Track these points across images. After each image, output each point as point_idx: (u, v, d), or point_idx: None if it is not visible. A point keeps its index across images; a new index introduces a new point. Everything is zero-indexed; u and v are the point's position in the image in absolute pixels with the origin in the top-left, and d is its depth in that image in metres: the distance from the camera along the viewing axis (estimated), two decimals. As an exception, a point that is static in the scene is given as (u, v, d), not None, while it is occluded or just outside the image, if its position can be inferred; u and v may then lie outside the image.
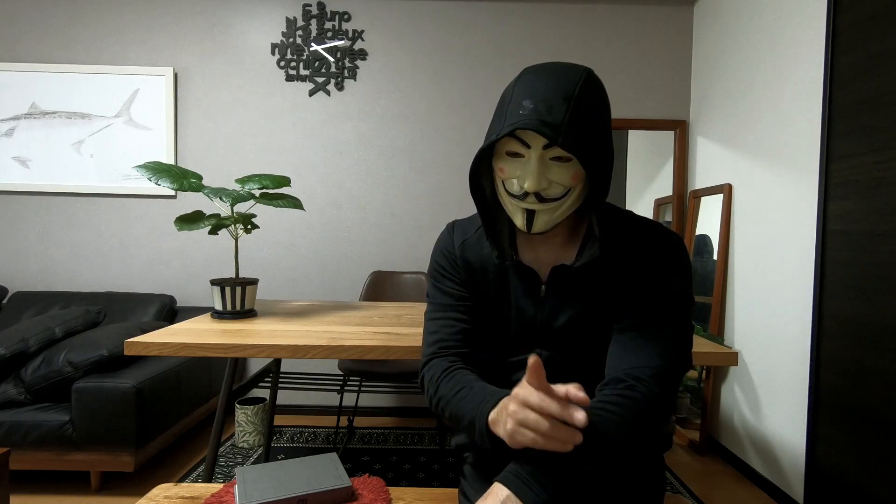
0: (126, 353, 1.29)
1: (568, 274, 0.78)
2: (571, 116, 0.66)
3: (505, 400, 0.65)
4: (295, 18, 2.77)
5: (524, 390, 0.60)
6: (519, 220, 0.72)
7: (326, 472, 0.89)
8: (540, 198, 0.70)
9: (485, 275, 0.84)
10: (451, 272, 0.87)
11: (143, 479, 2.06)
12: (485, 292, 0.84)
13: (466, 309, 0.85)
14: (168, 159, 2.76)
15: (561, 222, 0.77)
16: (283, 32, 2.77)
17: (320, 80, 2.78)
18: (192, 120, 2.78)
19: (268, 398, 2.45)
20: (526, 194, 0.70)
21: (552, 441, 0.58)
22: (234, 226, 1.69)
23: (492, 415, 0.68)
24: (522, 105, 0.67)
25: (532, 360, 0.58)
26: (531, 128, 0.64)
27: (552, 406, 0.57)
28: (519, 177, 0.70)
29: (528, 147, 0.69)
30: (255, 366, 2.91)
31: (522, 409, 0.59)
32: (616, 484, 0.76)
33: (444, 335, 0.84)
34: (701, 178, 2.69)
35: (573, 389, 0.58)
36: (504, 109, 0.70)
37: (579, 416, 0.57)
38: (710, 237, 2.54)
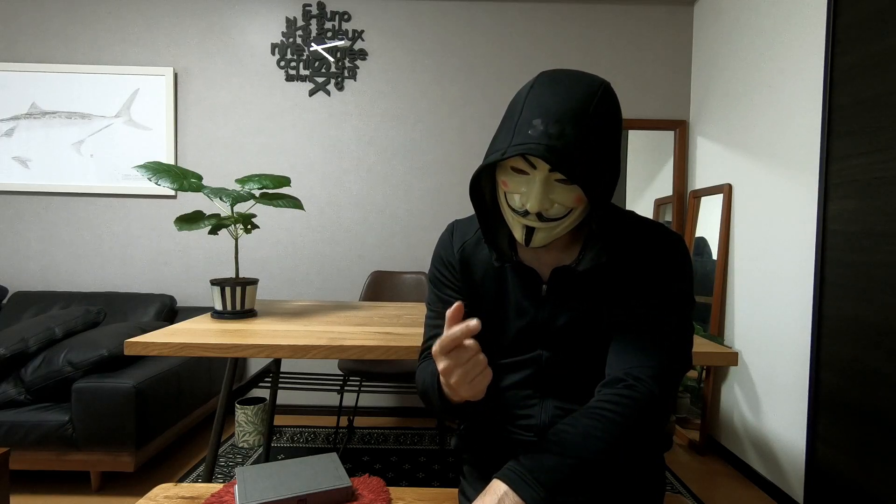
0: (126, 353, 1.29)
1: (570, 275, 0.78)
2: (580, 141, 0.65)
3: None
4: (295, 18, 2.77)
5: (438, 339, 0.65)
6: (518, 234, 0.72)
7: (326, 472, 0.89)
8: (541, 217, 0.70)
9: (485, 275, 0.84)
10: (449, 280, 0.88)
11: (143, 479, 2.06)
12: (484, 293, 0.84)
13: None
14: (168, 159, 2.76)
15: None
16: (283, 32, 2.77)
17: (320, 80, 2.78)
18: (192, 120, 2.78)
19: (268, 398, 2.45)
20: (527, 212, 0.70)
21: (466, 364, 0.63)
22: (234, 226, 1.69)
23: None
24: (532, 124, 0.65)
25: (451, 308, 0.63)
26: (538, 155, 0.63)
27: (454, 332, 0.62)
28: (522, 194, 0.70)
29: (534, 168, 0.68)
30: (255, 366, 2.91)
31: (440, 355, 0.64)
32: (616, 483, 0.77)
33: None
34: (701, 178, 2.69)
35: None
36: (513, 122, 0.68)
37: (472, 323, 0.61)
38: (708, 240, 2.54)
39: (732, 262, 2.37)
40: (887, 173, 1.51)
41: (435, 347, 0.64)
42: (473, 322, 0.61)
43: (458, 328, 0.62)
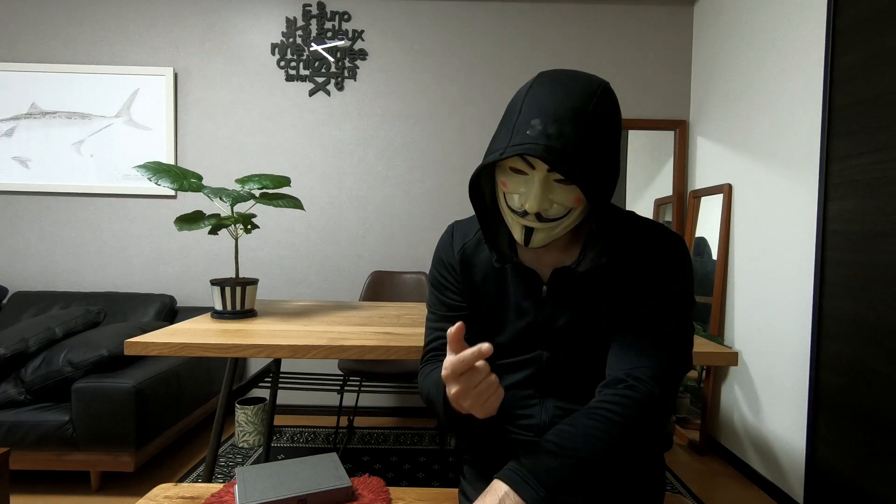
0: (126, 353, 1.29)
1: (570, 276, 0.78)
2: (579, 141, 0.64)
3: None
4: (295, 18, 2.77)
5: (445, 361, 0.64)
6: (517, 234, 0.72)
7: (326, 472, 0.89)
8: (540, 217, 0.69)
9: (485, 276, 0.84)
10: (449, 282, 0.88)
11: (143, 479, 2.06)
12: (485, 294, 0.84)
13: (459, 319, 0.87)
14: (168, 159, 2.76)
15: None
16: (283, 32, 2.77)
17: (320, 80, 2.78)
18: (192, 120, 2.78)
19: (268, 398, 2.45)
20: (526, 212, 0.70)
21: (478, 387, 0.63)
22: (234, 226, 1.69)
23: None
24: (531, 124, 0.65)
25: (452, 329, 0.63)
26: (537, 155, 0.63)
27: (465, 357, 0.61)
28: (521, 194, 0.70)
29: (533, 168, 0.68)
30: (255, 366, 2.91)
31: (451, 379, 0.64)
32: (616, 484, 0.77)
33: (438, 345, 0.88)
34: (701, 178, 2.69)
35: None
36: (512, 123, 0.68)
37: (484, 346, 0.60)
38: (708, 240, 2.54)
39: (732, 262, 2.37)
40: (887, 173, 1.51)
41: (445, 371, 0.63)
42: (486, 346, 0.60)
43: (468, 352, 0.61)
